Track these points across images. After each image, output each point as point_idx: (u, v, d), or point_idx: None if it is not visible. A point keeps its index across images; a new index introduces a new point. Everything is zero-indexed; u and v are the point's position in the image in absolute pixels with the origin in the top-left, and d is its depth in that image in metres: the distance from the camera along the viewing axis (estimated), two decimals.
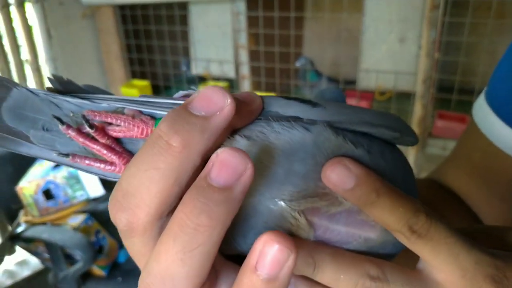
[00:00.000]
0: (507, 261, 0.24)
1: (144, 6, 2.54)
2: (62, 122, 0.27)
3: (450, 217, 0.49)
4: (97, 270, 1.83)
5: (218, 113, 0.21)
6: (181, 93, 0.29)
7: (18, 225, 1.86)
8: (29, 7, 2.35)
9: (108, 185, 1.89)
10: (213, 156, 0.20)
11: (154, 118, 0.28)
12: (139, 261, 0.23)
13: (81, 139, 0.27)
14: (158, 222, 0.21)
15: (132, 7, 2.58)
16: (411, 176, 0.28)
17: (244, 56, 2.38)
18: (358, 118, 0.26)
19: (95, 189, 1.87)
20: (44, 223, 1.83)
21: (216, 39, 2.43)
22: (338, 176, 0.23)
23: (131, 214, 0.20)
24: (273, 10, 2.13)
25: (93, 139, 0.27)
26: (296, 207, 0.24)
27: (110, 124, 0.28)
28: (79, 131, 0.27)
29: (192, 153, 0.20)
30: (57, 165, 1.91)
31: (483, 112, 0.50)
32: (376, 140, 0.26)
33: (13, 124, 0.28)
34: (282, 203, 0.24)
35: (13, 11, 2.27)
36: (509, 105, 0.46)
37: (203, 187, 0.19)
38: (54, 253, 1.76)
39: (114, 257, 1.89)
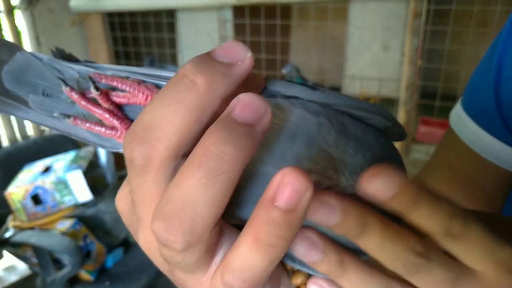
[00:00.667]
0: None
1: (132, 14, 2.56)
2: (66, 84, 0.27)
3: None
4: (85, 275, 1.83)
5: (239, 62, 0.21)
6: (197, 56, 0.30)
7: (6, 230, 1.86)
8: (18, 14, 2.36)
9: (96, 191, 1.90)
10: (234, 100, 0.20)
11: (158, 87, 0.28)
12: (144, 206, 0.22)
13: (83, 102, 0.27)
14: (174, 160, 0.21)
15: (121, 14, 2.60)
16: (402, 163, 0.29)
17: None
18: (354, 103, 0.27)
19: (83, 194, 1.88)
20: (32, 228, 1.83)
21: (204, 46, 2.45)
22: (379, 185, 0.22)
23: (150, 147, 0.20)
24: (259, 18, 2.16)
25: (95, 103, 0.27)
26: None
27: (114, 90, 0.27)
28: (82, 94, 0.27)
29: (215, 94, 0.21)
30: (46, 171, 1.92)
31: (461, 121, 0.53)
32: (371, 126, 0.27)
33: (12, 88, 0.28)
34: None
35: (3, 17, 2.28)
36: (487, 113, 0.49)
37: (227, 121, 0.20)
38: (42, 258, 1.75)
39: (102, 262, 1.90)
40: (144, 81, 0.28)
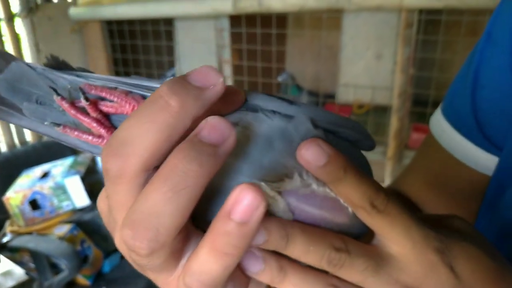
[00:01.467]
0: (448, 236, 0.28)
1: (130, 22, 2.59)
2: (57, 93, 0.28)
3: None
4: (82, 280, 1.85)
5: (211, 87, 0.23)
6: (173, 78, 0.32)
7: (4, 235, 1.87)
8: (18, 22, 2.39)
9: (94, 196, 1.92)
10: (203, 122, 0.22)
11: (144, 98, 0.29)
12: (118, 211, 0.24)
13: (73, 111, 0.28)
14: (145, 173, 0.23)
15: (119, 22, 2.63)
16: (371, 172, 0.31)
17: (228, 70, 2.43)
18: (328, 118, 0.28)
19: (81, 200, 1.89)
20: (30, 233, 1.85)
21: (201, 54, 2.47)
22: (312, 154, 0.25)
23: (124, 161, 0.22)
24: (255, 27, 2.20)
25: (84, 112, 0.28)
26: (275, 188, 0.26)
27: (103, 99, 0.29)
28: (72, 103, 0.28)
29: (186, 115, 0.22)
30: (44, 176, 1.94)
31: (440, 126, 0.55)
32: (342, 139, 0.29)
33: (7, 96, 0.29)
34: (261, 183, 0.26)
35: (3, 25, 2.31)
36: (464, 118, 0.51)
37: (195, 141, 0.22)
38: (40, 262, 1.77)
39: (99, 267, 1.91)
40: (131, 92, 0.29)
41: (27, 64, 0.30)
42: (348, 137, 0.29)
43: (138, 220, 0.21)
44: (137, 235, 0.21)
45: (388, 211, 0.26)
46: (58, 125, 0.29)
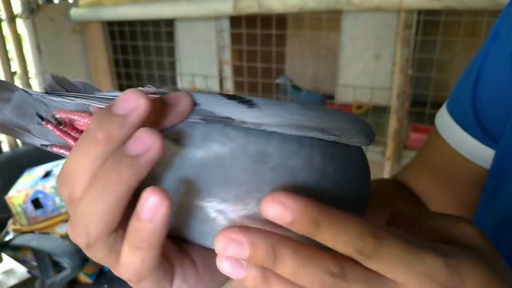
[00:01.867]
0: (458, 255, 0.25)
1: (131, 23, 2.59)
2: (42, 118, 0.32)
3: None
4: (84, 278, 1.86)
5: (133, 112, 0.26)
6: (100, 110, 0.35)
7: (7, 233, 1.89)
8: (20, 23, 2.40)
9: None
10: (133, 135, 0.25)
11: None
12: None
13: (57, 132, 0.32)
14: None
15: (120, 23, 2.63)
16: (355, 174, 0.29)
17: (228, 71, 2.45)
18: (290, 121, 0.27)
19: None
20: (32, 232, 1.86)
21: (201, 54, 2.48)
22: (275, 213, 0.23)
23: (71, 189, 0.26)
24: (255, 28, 2.21)
25: (66, 132, 0.32)
26: (215, 207, 0.28)
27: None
28: (57, 125, 0.32)
29: (115, 143, 0.25)
30: (46, 175, 1.95)
31: (445, 122, 0.57)
32: (314, 143, 0.27)
33: (18, 120, 0.34)
34: (205, 203, 0.28)
35: (4, 26, 2.33)
36: (468, 115, 0.54)
37: (118, 154, 0.25)
38: (42, 261, 1.79)
39: (101, 265, 1.93)
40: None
41: (25, 91, 0.34)
42: (319, 137, 0.27)
43: (75, 219, 0.26)
44: (74, 231, 0.26)
45: (382, 255, 0.23)
46: (46, 145, 0.34)
